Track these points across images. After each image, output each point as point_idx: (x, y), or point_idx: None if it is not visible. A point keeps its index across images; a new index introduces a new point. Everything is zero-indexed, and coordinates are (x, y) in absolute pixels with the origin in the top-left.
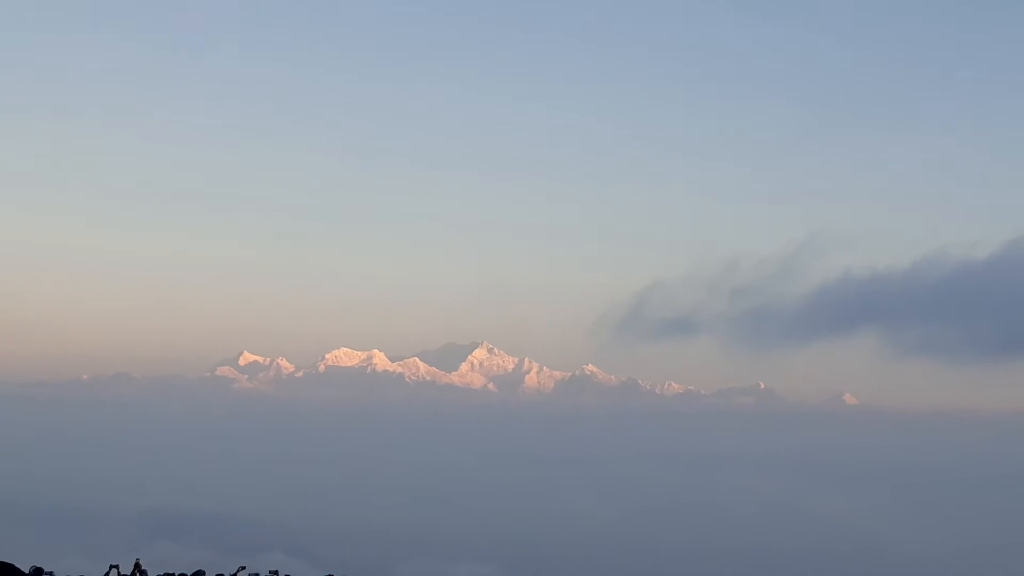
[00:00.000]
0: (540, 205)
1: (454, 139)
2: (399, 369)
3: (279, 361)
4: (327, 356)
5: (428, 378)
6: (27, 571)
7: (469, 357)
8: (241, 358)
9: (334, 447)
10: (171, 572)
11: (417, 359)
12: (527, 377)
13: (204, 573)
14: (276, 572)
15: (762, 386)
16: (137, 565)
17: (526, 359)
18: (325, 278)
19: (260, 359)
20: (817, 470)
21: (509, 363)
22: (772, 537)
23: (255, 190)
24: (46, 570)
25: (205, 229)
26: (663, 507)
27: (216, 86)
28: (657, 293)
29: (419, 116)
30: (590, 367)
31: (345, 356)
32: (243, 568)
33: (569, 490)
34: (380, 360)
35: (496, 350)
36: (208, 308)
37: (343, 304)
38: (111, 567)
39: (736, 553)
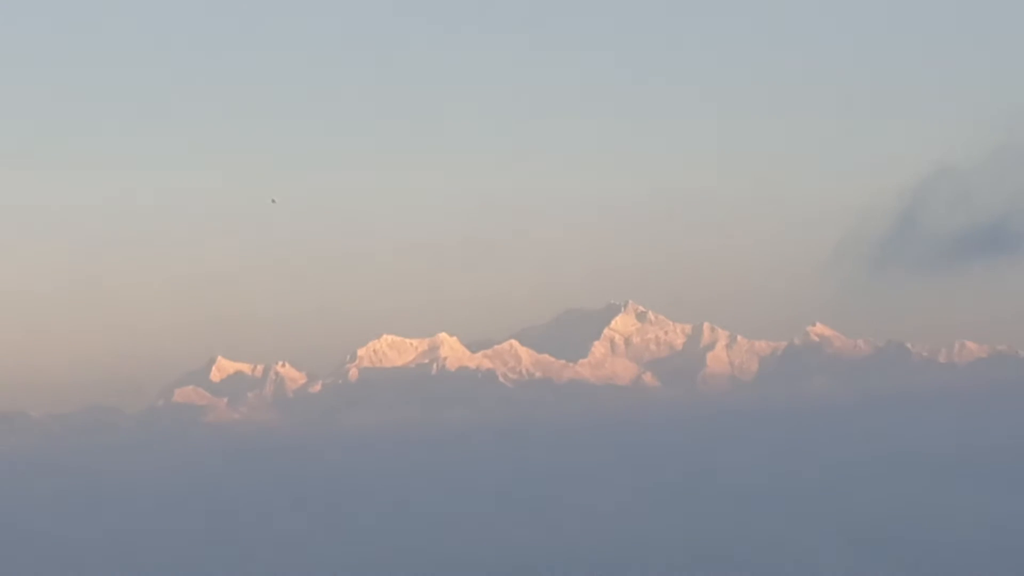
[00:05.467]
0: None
1: None
2: (486, 363)
3: (279, 369)
4: (361, 353)
5: (538, 374)
6: None
7: (606, 331)
8: (214, 370)
9: (389, 518)
10: None
11: (515, 342)
12: (711, 356)
13: None
14: None
15: None
16: None
17: (706, 325)
18: (344, 219)
19: (247, 368)
20: None
21: (678, 335)
22: None
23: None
24: None
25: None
26: None
27: None
28: (943, 190)
29: None
30: (819, 328)
31: (392, 349)
32: None
33: None
34: (452, 349)
35: (653, 315)
36: (150, 293)
37: (381, 263)
38: None
39: None
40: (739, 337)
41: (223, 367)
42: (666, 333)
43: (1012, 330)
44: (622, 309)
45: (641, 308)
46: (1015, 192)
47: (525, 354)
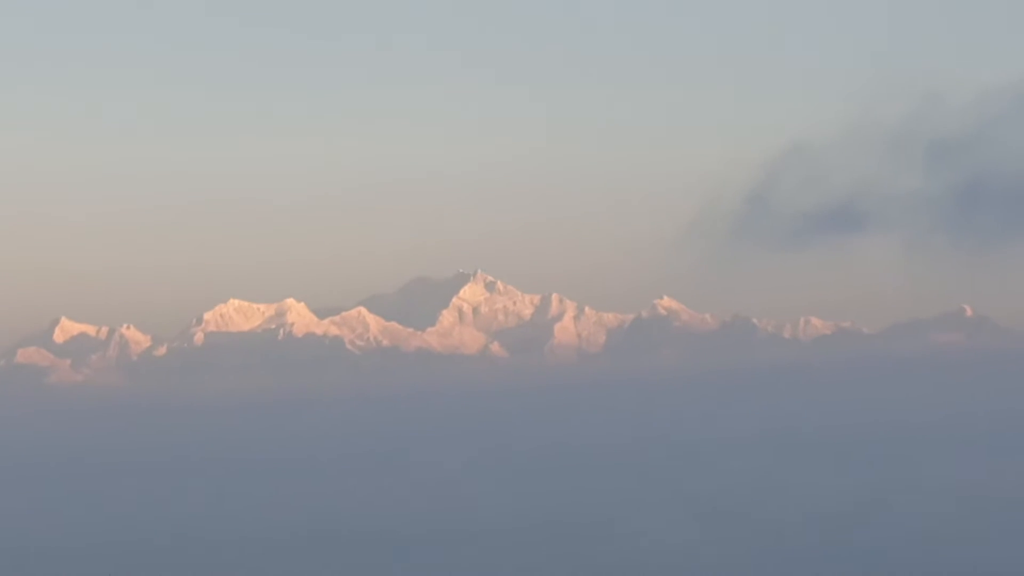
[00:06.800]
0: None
1: None
2: (333, 329)
3: (123, 331)
4: (207, 317)
5: (386, 342)
6: None
7: (454, 300)
8: (57, 331)
9: (233, 484)
10: None
11: (363, 309)
12: (558, 327)
13: None
14: None
15: (969, 312)
16: None
17: (554, 296)
18: (192, 182)
19: (91, 330)
20: None
21: (526, 305)
22: None
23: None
24: None
25: None
26: None
27: None
28: (796, 167)
29: None
30: (666, 302)
31: (238, 313)
32: None
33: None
34: (300, 315)
35: (502, 284)
36: None
37: (229, 226)
38: None
39: None
40: (587, 308)
41: (67, 328)
42: (514, 303)
43: (856, 307)
44: (471, 278)
45: (490, 278)
46: (865, 171)
47: (373, 321)
